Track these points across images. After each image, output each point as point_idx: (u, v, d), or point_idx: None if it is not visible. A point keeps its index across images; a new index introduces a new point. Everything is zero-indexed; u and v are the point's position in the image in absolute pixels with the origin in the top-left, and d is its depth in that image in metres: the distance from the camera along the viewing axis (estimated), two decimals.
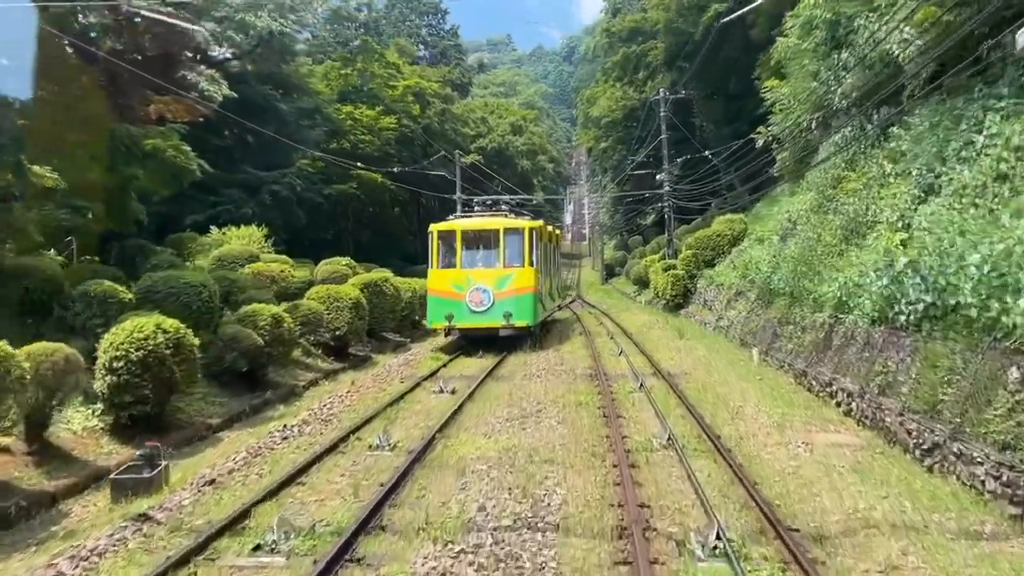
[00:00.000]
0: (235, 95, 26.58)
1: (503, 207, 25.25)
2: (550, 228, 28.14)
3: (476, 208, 25.93)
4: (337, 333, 19.96)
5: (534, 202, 55.75)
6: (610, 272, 69.25)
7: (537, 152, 77.93)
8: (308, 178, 35.50)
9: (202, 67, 25.35)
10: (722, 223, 32.86)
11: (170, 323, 11.50)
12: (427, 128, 47.61)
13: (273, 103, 34.09)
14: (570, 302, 50.90)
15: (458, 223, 22.75)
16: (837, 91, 19.43)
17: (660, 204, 42.46)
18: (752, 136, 25.92)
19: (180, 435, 12.28)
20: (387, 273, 26.14)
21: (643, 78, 55.66)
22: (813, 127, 21.01)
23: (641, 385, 15.65)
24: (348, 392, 15.76)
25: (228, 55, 33.25)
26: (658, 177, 39.16)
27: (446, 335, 22.75)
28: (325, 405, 14.38)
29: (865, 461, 9.89)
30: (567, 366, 19.31)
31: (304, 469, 10.02)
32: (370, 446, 11.27)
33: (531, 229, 22.26)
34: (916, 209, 13.89)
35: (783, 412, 12.80)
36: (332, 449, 11.08)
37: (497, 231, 22.04)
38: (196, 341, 12.15)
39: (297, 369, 18.24)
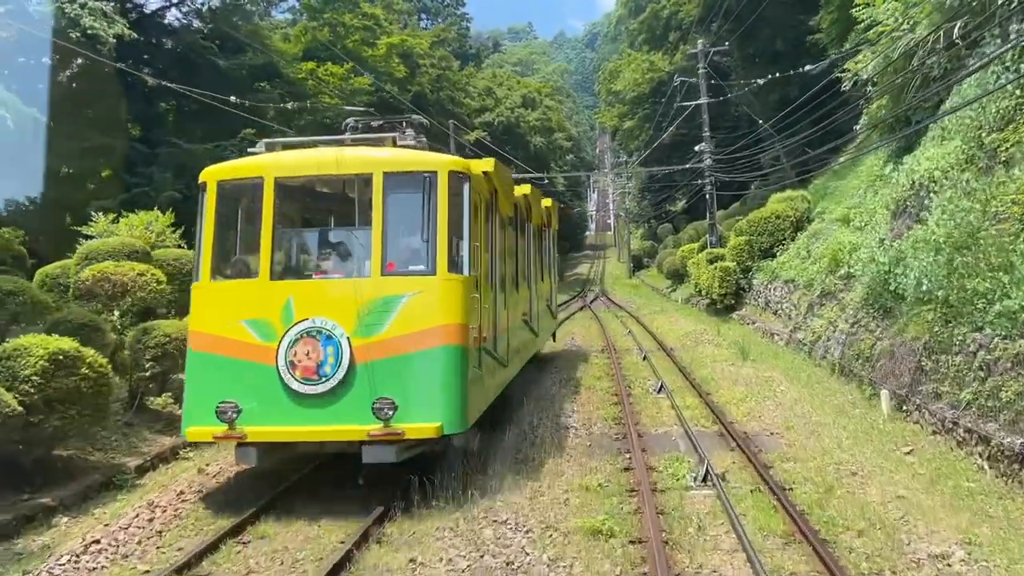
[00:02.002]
0: (137, 35, 19.91)
1: (406, 131, 10.11)
2: (526, 190, 14.47)
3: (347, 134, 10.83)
4: None
5: (545, 181, 48.39)
6: (638, 264, 64.07)
7: (553, 129, 69.73)
8: None
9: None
10: (780, 202, 26.85)
11: None
12: (418, 97, 40.48)
13: (209, 57, 27.14)
14: (592, 300, 44.65)
15: (270, 159, 9.30)
16: None
17: (698, 182, 35.53)
18: (839, 75, 18.66)
19: None
20: None
21: (674, 41, 48.54)
22: (956, 42, 13.76)
23: (707, 474, 8.72)
24: (184, 490, 8.91)
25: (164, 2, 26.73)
26: (697, 148, 32.16)
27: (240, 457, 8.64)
28: (96, 542, 7.56)
29: None
30: (581, 416, 12.46)
31: None
32: None
33: (458, 175, 8.92)
34: None
35: None
36: None
37: (366, 179, 8.88)
38: None
39: (150, 432, 11.49)
